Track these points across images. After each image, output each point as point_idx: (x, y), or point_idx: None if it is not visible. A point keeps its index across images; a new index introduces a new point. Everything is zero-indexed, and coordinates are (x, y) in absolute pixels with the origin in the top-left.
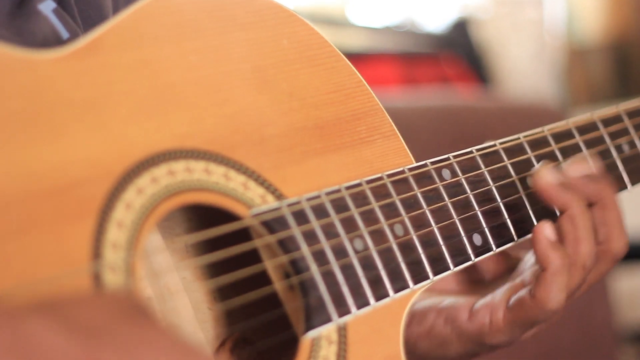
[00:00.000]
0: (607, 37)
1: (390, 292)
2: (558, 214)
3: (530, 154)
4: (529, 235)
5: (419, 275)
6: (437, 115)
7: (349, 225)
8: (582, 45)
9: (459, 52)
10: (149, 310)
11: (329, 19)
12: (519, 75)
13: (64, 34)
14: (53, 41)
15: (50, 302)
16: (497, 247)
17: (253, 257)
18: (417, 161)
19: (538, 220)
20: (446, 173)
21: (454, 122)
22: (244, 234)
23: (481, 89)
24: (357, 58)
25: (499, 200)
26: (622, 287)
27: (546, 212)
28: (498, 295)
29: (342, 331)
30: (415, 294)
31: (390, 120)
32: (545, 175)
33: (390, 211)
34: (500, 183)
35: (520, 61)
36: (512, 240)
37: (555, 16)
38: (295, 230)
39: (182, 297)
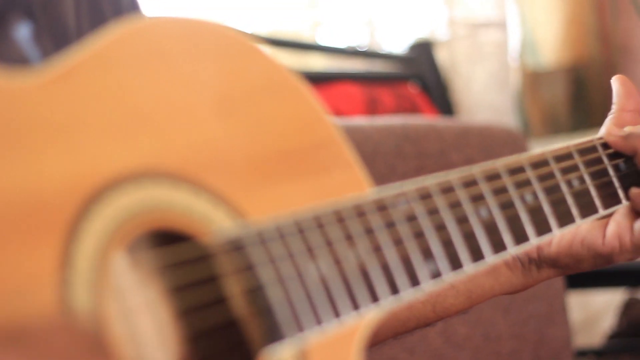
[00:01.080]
0: (566, 61)
1: (349, 316)
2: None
3: (483, 187)
4: (482, 262)
5: (375, 299)
6: (400, 134)
7: (311, 250)
8: (542, 69)
9: (420, 73)
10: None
11: (292, 40)
12: (480, 97)
13: (38, 58)
14: (27, 64)
15: (17, 330)
16: (451, 273)
17: (217, 280)
18: (376, 186)
19: (492, 247)
20: (402, 202)
21: (416, 140)
22: (209, 257)
23: (442, 112)
24: (320, 80)
25: (453, 230)
26: (575, 314)
27: (499, 243)
28: (622, 223)
29: (303, 354)
30: (372, 319)
31: (350, 150)
32: (613, 131)
33: (348, 238)
34: (454, 214)
35: (481, 83)
36: (464, 267)
37: (517, 40)
38: (259, 254)
39: (146, 317)
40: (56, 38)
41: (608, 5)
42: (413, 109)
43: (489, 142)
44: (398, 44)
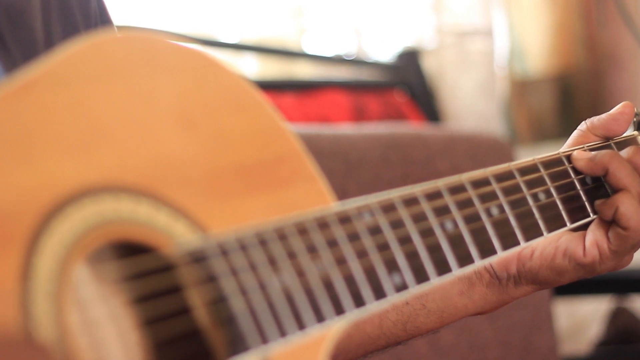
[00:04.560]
0: (554, 69)
1: (312, 326)
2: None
3: (448, 199)
4: (448, 274)
5: (340, 311)
6: (386, 142)
7: (273, 261)
8: (529, 76)
9: (407, 81)
10: None
11: (279, 48)
12: (467, 105)
13: (4, 71)
14: None
15: None
16: (416, 285)
17: (179, 291)
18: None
19: (458, 260)
20: (367, 215)
21: (402, 148)
22: (171, 268)
23: (429, 120)
24: (307, 88)
25: (417, 242)
26: (562, 321)
27: (466, 256)
28: (597, 232)
29: None
30: (338, 331)
31: (311, 163)
32: (580, 155)
33: (312, 250)
34: (419, 226)
35: (468, 91)
36: (430, 280)
37: (504, 48)
38: (221, 265)
39: (109, 327)
40: (25, 48)
41: (595, 13)
42: (400, 117)
43: (475, 149)
44: (385, 52)
